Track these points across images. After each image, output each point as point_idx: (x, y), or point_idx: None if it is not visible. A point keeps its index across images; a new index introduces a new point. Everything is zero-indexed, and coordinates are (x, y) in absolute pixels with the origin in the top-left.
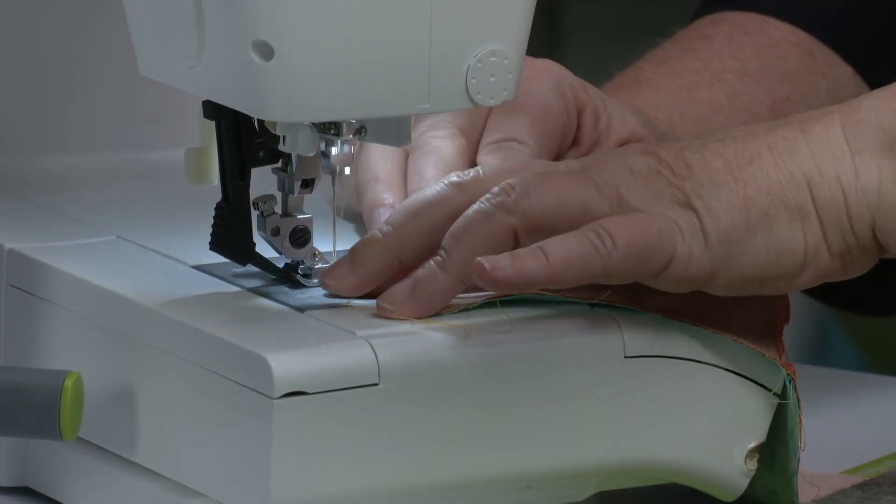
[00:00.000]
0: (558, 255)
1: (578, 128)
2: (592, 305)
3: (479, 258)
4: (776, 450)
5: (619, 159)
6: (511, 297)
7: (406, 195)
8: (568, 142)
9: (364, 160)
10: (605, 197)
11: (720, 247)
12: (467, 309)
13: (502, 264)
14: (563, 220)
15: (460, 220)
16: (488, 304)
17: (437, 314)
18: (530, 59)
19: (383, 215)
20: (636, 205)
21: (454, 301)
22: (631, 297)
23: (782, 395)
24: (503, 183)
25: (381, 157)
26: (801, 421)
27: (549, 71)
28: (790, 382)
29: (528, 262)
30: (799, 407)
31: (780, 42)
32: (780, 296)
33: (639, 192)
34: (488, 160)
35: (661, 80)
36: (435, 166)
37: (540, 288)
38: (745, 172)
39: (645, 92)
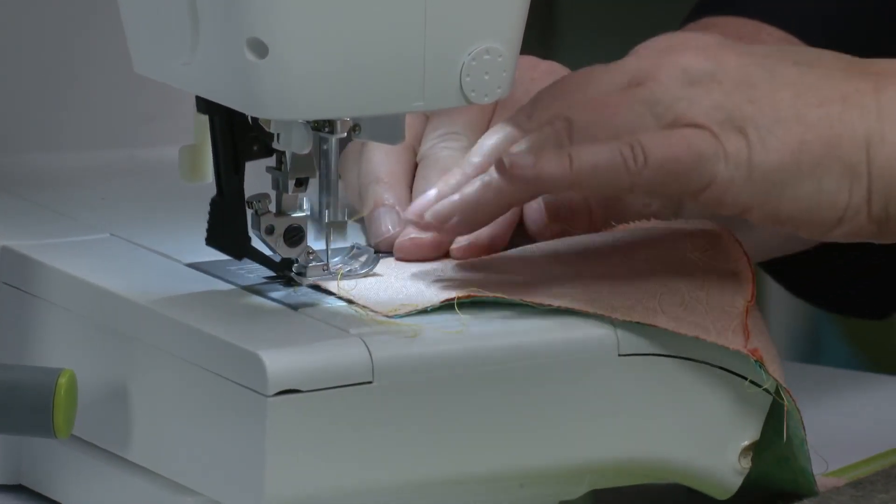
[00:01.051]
0: (584, 161)
1: None
2: (555, 309)
3: (502, 156)
4: (784, 446)
5: (676, 66)
6: (467, 301)
7: (409, 197)
8: None
9: (366, 161)
10: (658, 119)
11: (763, 183)
12: (425, 310)
13: (523, 162)
14: None
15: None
16: (446, 305)
17: (395, 314)
18: (535, 60)
19: (384, 215)
20: (692, 120)
21: (412, 300)
22: (591, 298)
23: (777, 394)
24: (554, 122)
25: (384, 158)
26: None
27: (553, 73)
28: (760, 367)
29: (549, 164)
30: (792, 400)
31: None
32: (746, 275)
33: (696, 105)
34: (429, 153)
35: None
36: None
37: (559, 191)
38: (811, 115)
39: None
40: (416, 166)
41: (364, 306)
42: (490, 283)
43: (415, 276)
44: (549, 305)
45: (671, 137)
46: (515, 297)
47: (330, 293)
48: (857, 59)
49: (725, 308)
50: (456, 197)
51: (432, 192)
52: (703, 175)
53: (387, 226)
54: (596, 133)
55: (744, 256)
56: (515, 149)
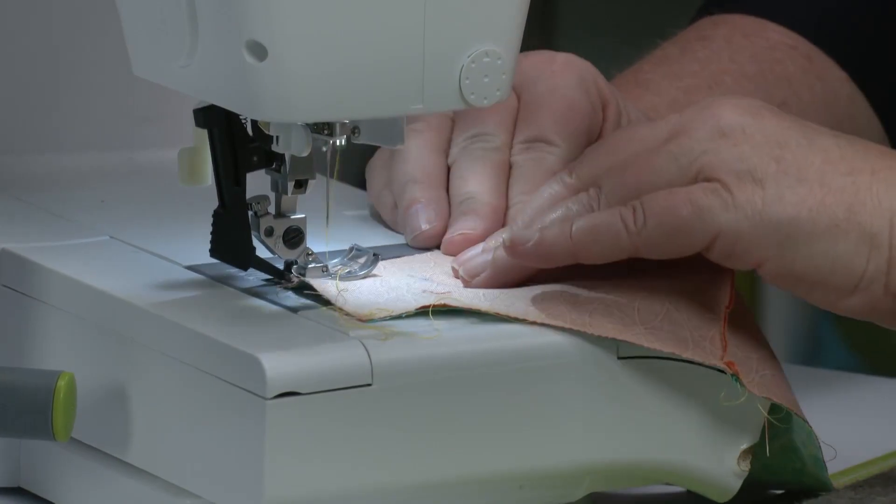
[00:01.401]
0: (583, 228)
1: (603, 122)
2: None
3: (506, 234)
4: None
5: (712, 118)
6: (442, 309)
7: (444, 197)
8: (594, 137)
9: (401, 162)
10: (682, 171)
11: (775, 234)
12: (400, 316)
13: (524, 238)
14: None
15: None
16: (422, 312)
17: (370, 318)
18: (551, 54)
19: (420, 212)
20: (710, 172)
21: (389, 306)
22: (564, 311)
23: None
24: (594, 170)
25: (417, 160)
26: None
27: (572, 65)
28: (736, 380)
29: (550, 235)
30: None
31: (778, 45)
32: (724, 281)
33: (718, 156)
34: (519, 159)
35: (659, 82)
36: (480, 174)
37: (566, 262)
38: (837, 181)
39: (644, 95)
40: (447, 168)
41: (341, 308)
42: (470, 292)
43: (408, 278)
44: (524, 321)
45: (674, 195)
46: (490, 310)
47: (313, 292)
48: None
49: (705, 315)
50: (489, 257)
51: (479, 247)
52: (707, 227)
53: (420, 222)
54: (622, 195)
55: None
56: (548, 217)
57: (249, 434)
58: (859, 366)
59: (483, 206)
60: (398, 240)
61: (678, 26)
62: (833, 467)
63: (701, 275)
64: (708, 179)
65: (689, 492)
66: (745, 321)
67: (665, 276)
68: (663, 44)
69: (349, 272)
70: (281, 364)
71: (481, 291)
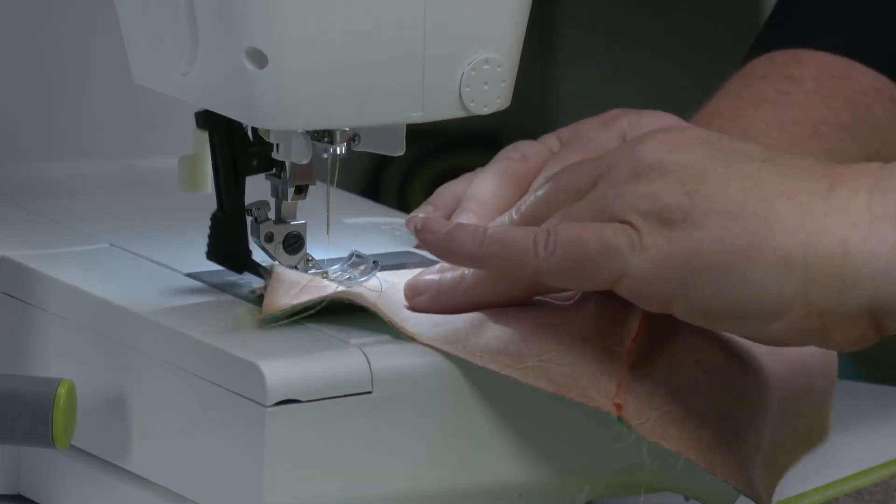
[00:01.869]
0: (494, 239)
1: None
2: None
3: (419, 215)
4: None
5: (630, 159)
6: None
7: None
8: None
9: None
10: (595, 218)
11: (679, 272)
12: (302, 310)
13: (436, 227)
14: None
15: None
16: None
17: (272, 314)
18: (673, 118)
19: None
20: (619, 215)
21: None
22: (462, 336)
23: None
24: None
25: (491, 183)
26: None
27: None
28: (620, 422)
29: (462, 234)
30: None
31: (867, 90)
32: (630, 310)
33: (628, 198)
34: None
35: (767, 131)
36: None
37: (468, 265)
38: (748, 209)
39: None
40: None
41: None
42: (385, 299)
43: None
44: (415, 341)
45: (585, 229)
46: (386, 317)
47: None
48: (834, 165)
49: (611, 347)
50: (436, 278)
51: (434, 268)
52: (612, 267)
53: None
54: (558, 254)
55: None
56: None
57: (249, 441)
58: (859, 374)
59: (479, 207)
60: (399, 247)
61: (676, 33)
62: (833, 475)
63: (620, 303)
64: (620, 221)
65: (687, 498)
66: (678, 342)
67: (587, 300)
68: (745, 74)
69: (349, 278)
70: (281, 371)
71: (399, 298)
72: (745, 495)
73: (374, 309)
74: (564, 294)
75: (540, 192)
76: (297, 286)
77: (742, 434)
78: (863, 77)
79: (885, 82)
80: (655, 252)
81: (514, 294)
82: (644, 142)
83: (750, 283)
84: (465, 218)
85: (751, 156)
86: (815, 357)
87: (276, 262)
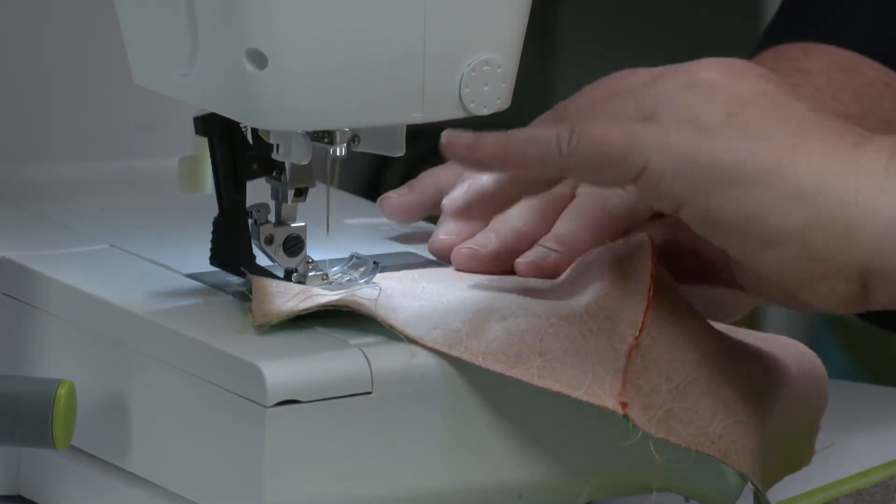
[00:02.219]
0: (518, 137)
1: None
2: None
3: (445, 132)
4: None
5: (689, 71)
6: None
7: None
8: None
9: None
10: (638, 110)
11: (696, 176)
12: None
13: (461, 140)
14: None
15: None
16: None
17: (266, 322)
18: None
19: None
20: (659, 114)
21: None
22: (461, 338)
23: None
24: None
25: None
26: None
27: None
28: (626, 420)
29: (486, 140)
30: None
31: (875, 82)
32: (641, 301)
33: (671, 103)
34: (583, 191)
35: None
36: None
37: (496, 169)
38: (777, 137)
39: None
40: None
41: (250, 309)
42: (383, 304)
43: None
44: (416, 342)
45: (612, 125)
46: (384, 321)
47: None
48: (867, 132)
49: (614, 344)
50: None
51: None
52: (634, 162)
53: (441, 231)
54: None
55: (648, 280)
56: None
57: (249, 442)
58: (859, 374)
59: (508, 228)
60: (399, 248)
61: (677, 34)
62: (833, 476)
63: (621, 299)
64: (653, 119)
65: (688, 499)
66: (680, 339)
67: (588, 293)
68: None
69: (349, 280)
70: (281, 372)
71: (396, 303)
72: (756, 486)
73: (372, 314)
74: (562, 284)
75: (581, 94)
76: (285, 295)
77: (752, 426)
78: (871, 71)
79: (893, 76)
80: (680, 153)
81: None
82: (702, 62)
83: (760, 203)
84: (485, 239)
85: (797, 101)
86: (811, 373)
87: (254, 275)
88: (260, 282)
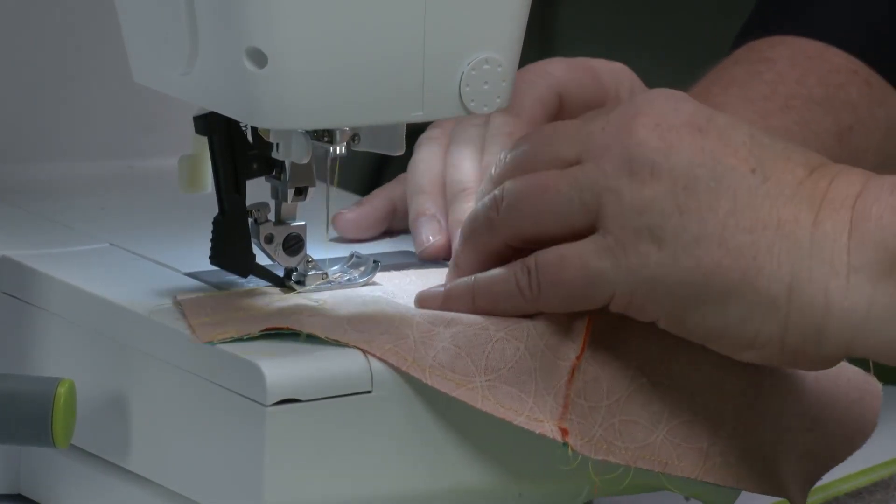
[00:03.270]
0: (484, 294)
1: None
2: None
3: (419, 293)
4: None
5: (624, 147)
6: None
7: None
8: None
9: (411, 171)
10: (584, 207)
11: (667, 297)
12: (241, 338)
13: (430, 299)
14: (544, 234)
15: (464, 229)
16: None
17: (211, 340)
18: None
19: (424, 225)
20: (610, 224)
21: (236, 327)
22: (410, 350)
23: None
24: (495, 193)
25: (426, 168)
26: None
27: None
28: (566, 447)
29: (456, 300)
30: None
31: (841, 69)
32: (580, 327)
33: (620, 203)
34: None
35: (735, 105)
36: (471, 159)
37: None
38: (737, 240)
39: None
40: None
41: (191, 326)
42: (332, 319)
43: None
44: (365, 351)
45: (567, 257)
46: (325, 335)
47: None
48: (823, 166)
49: (560, 361)
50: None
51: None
52: (600, 292)
53: (427, 236)
54: (522, 209)
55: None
56: (455, 244)
57: (249, 441)
58: None
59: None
60: (399, 247)
61: (677, 34)
62: (833, 474)
63: (565, 316)
64: (605, 229)
65: (687, 498)
66: (622, 347)
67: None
68: (722, 63)
69: (349, 279)
70: (281, 371)
71: (346, 319)
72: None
73: (311, 331)
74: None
75: (517, 153)
76: (222, 312)
77: (705, 422)
78: (837, 58)
79: (860, 65)
80: (644, 274)
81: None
82: (637, 130)
83: (730, 317)
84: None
85: (740, 156)
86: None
87: (179, 296)
88: (190, 304)
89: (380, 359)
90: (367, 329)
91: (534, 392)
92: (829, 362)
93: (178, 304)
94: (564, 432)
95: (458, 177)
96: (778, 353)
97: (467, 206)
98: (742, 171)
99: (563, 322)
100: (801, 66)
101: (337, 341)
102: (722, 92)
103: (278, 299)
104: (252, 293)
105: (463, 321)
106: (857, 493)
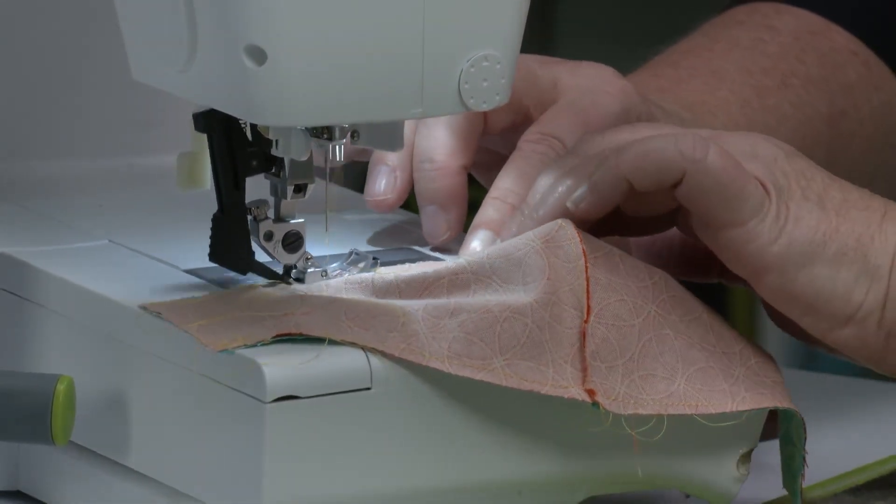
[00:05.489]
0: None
1: None
2: None
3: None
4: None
5: (746, 139)
6: (299, 337)
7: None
8: None
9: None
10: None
11: (784, 252)
12: (255, 345)
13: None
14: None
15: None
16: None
17: (225, 348)
18: (613, 73)
19: (383, 175)
20: (753, 169)
21: (245, 333)
22: (421, 344)
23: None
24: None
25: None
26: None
27: (625, 95)
28: (596, 407)
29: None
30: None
31: (842, 49)
32: (581, 284)
33: (758, 161)
34: (525, 147)
35: (734, 75)
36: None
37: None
38: (852, 213)
39: (720, 88)
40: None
41: (198, 337)
42: (329, 315)
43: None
44: (374, 350)
45: (737, 161)
46: (339, 338)
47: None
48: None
49: (566, 329)
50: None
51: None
52: (745, 209)
53: (380, 186)
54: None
55: (581, 258)
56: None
57: (249, 438)
58: (858, 370)
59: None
60: (398, 244)
61: (677, 31)
62: (832, 471)
63: (561, 284)
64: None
65: (687, 495)
66: (624, 308)
67: (532, 285)
68: (723, 17)
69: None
70: (280, 368)
71: (342, 312)
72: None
73: (324, 334)
74: (499, 280)
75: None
76: (208, 314)
77: (714, 367)
78: (840, 37)
79: (861, 46)
80: (776, 224)
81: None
82: (756, 137)
83: (839, 280)
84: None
85: (845, 181)
86: None
87: (151, 310)
88: (170, 309)
89: (395, 357)
90: (371, 325)
91: (551, 362)
92: None
93: (150, 311)
94: (591, 393)
95: (428, 144)
96: (875, 330)
97: (431, 183)
98: (841, 180)
99: (563, 292)
100: (803, 40)
101: (354, 343)
102: (724, 55)
103: (261, 293)
104: (224, 294)
105: (464, 308)
106: (857, 490)
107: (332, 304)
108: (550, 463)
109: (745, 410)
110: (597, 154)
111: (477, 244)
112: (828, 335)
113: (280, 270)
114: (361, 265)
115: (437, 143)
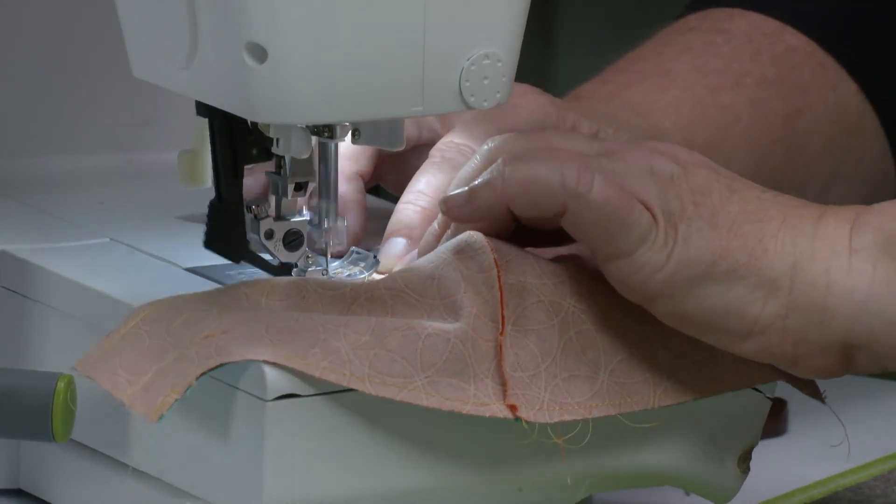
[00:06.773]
0: (517, 175)
1: None
2: None
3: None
4: None
5: (645, 157)
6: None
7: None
8: None
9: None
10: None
11: (673, 275)
12: (186, 392)
13: (456, 199)
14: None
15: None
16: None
17: (161, 415)
18: (529, 88)
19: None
20: (641, 194)
21: (174, 381)
22: (347, 361)
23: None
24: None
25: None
26: None
27: (538, 106)
28: (520, 422)
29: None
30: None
31: (796, 49)
32: (495, 295)
33: (648, 186)
34: (436, 154)
35: (686, 76)
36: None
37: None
38: (746, 227)
39: (669, 87)
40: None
41: (133, 407)
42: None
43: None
44: (302, 372)
45: (623, 190)
46: (259, 357)
47: None
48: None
49: (485, 342)
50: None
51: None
52: (630, 240)
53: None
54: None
55: (493, 268)
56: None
57: (249, 436)
58: None
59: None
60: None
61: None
62: (832, 469)
63: (477, 297)
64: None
65: (688, 493)
66: (541, 311)
67: (447, 304)
68: (675, 25)
69: (349, 276)
70: (281, 367)
71: (264, 328)
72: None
73: (243, 358)
74: (419, 297)
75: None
76: (133, 369)
77: (637, 356)
78: (794, 39)
79: (816, 48)
80: (664, 251)
81: None
82: (657, 154)
83: (731, 297)
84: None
85: (753, 186)
86: None
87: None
88: (93, 367)
89: (319, 377)
90: (291, 341)
91: (473, 378)
92: (830, 354)
93: (81, 372)
94: (513, 408)
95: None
96: (780, 340)
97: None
98: (753, 189)
99: (480, 304)
100: (756, 42)
101: (277, 365)
102: (675, 57)
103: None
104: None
105: (387, 326)
106: (857, 488)
107: (253, 320)
108: (551, 461)
109: (668, 406)
110: (493, 156)
111: (393, 250)
112: (733, 349)
113: (276, 262)
114: (362, 264)
115: (340, 152)
